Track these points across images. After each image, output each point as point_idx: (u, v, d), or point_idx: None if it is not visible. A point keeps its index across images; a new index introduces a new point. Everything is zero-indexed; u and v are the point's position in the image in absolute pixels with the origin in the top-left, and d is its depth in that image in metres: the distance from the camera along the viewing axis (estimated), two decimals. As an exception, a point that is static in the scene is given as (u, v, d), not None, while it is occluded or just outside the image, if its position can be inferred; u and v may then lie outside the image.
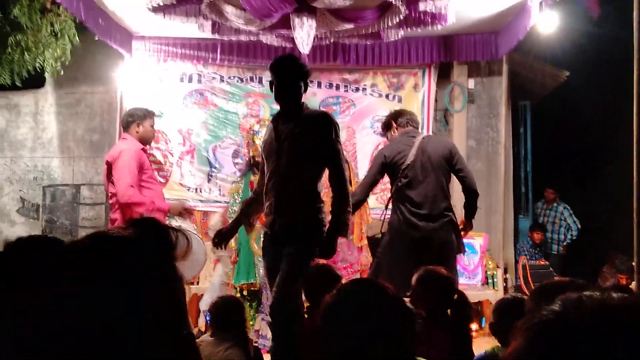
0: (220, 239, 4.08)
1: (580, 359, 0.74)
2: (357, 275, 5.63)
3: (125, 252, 0.93)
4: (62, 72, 6.52)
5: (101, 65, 6.92)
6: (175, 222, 4.90)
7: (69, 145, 7.29)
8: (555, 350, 0.77)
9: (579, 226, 8.55)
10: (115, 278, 0.89)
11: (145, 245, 0.95)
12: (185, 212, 5.08)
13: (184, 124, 6.92)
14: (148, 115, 5.02)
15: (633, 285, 5.89)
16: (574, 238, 8.55)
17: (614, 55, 9.30)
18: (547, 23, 5.47)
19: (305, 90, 3.91)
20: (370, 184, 4.98)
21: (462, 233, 4.96)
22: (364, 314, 1.55)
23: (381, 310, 1.56)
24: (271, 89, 3.90)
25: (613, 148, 9.80)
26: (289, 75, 3.83)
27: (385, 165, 4.88)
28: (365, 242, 5.82)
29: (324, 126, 3.83)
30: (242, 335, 3.66)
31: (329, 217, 3.89)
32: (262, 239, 4.25)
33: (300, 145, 3.80)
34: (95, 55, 6.87)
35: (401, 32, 5.59)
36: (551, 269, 7.72)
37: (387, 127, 5.16)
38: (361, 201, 4.98)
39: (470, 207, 4.91)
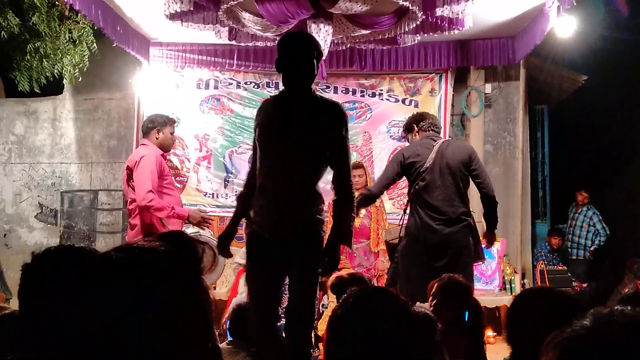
0: (224, 244, 3.49)
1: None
2: (374, 281, 5.61)
3: (143, 263, 0.94)
4: (80, 79, 6.58)
5: (119, 71, 6.98)
6: (192, 230, 4.90)
7: (87, 151, 7.35)
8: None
9: (608, 232, 8.43)
10: (127, 285, 0.89)
11: (171, 258, 0.96)
12: (203, 220, 4.94)
13: (201, 130, 6.97)
14: (168, 122, 5.03)
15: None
16: (602, 244, 8.44)
17: (632, 59, 9.25)
18: (564, 27, 5.42)
19: (317, 73, 3.38)
20: (387, 182, 4.88)
21: (486, 244, 4.88)
22: (370, 322, 1.51)
23: (388, 318, 1.53)
24: (278, 69, 3.31)
25: (631, 152, 9.73)
26: (302, 50, 3.27)
27: (403, 166, 4.79)
28: (382, 247, 5.80)
29: (334, 117, 3.31)
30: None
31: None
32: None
33: (304, 135, 3.25)
34: (112, 62, 6.92)
35: (418, 37, 5.60)
36: (569, 274, 7.65)
37: (409, 129, 5.05)
38: (374, 196, 4.90)
39: (490, 216, 4.79)
